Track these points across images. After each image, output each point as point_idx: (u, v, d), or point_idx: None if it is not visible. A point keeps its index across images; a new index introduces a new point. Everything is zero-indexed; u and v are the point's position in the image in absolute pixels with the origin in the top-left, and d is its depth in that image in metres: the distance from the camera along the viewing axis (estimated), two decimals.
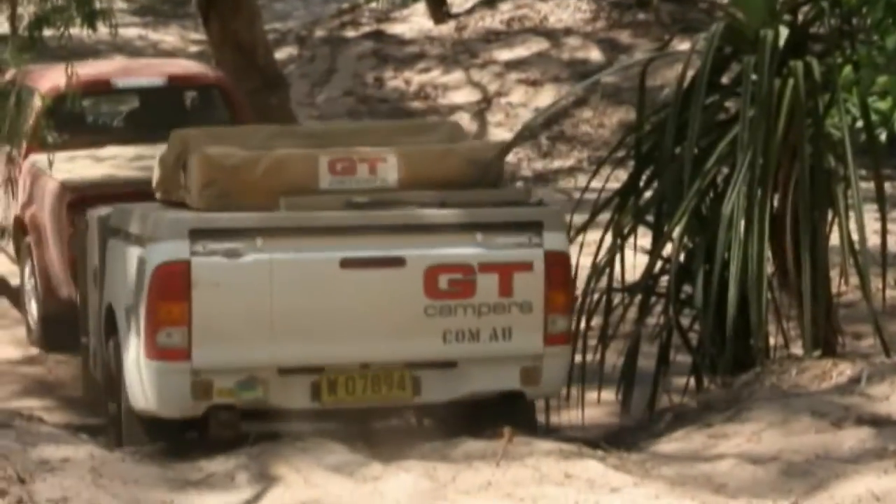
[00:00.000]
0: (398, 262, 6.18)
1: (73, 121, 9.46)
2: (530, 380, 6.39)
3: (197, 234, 6.05)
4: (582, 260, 7.19)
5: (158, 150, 6.75)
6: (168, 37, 23.78)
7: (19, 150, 9.49)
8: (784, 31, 7.20)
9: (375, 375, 6.24)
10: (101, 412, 7.15)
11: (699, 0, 19.92)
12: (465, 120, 17.65)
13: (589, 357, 7.39)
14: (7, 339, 9.65)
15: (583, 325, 7.35)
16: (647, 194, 7.57)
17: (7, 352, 9.42)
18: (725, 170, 7.32)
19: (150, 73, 10.33)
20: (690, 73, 7.43)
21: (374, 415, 6.56)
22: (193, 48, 22.34)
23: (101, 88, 9.79)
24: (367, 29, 21.08)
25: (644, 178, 7.64)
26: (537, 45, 19.10)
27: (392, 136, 6.89)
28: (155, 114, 10.21)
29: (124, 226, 6.63)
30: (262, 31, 15.42)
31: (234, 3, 14.88)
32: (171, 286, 6.00)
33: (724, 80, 7.82)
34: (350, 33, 20.96)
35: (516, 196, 6.91)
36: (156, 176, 6.62)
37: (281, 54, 18.89)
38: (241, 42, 14.97)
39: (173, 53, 22.35)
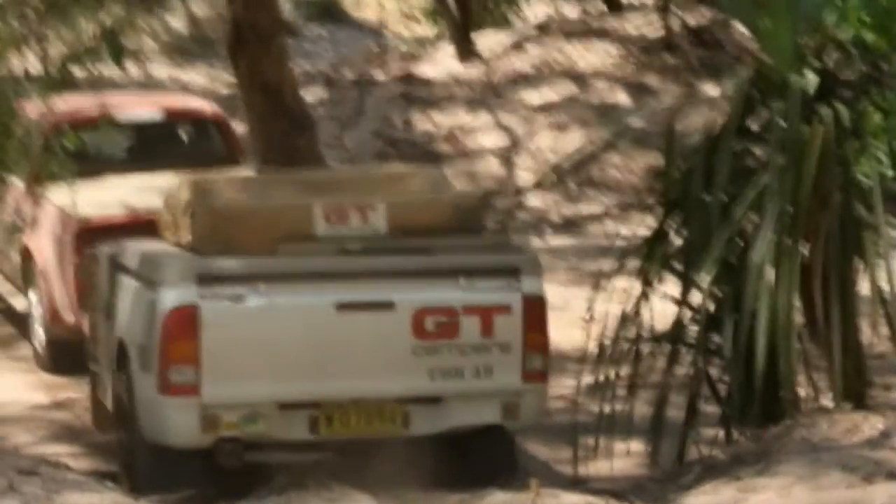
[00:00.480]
0: (388, 305, 6.72)
1: (75, 152, 9.69)
2: (510, 414, 6.94)
3: (204, 280, 6.59)
4: (610, 308, 7.13)
5: (157, 179, 7.10)
6: (197, 77, 23.87)
7: (28, 182, 9.88)
8: (812, 77, 7.15)
9: (368, 410, 6.78)
10: (110, 436, 7.59)
11: (727, 44, 19.89)
12: (492, 163, 17.61)
13: (617, 407, 7.32)
14: (34, 384, 9.62)
15: (611, 374, 7.28)
16: (676, 242, 7.50)
17: (34, 396, 9.38)
18: (754, 217, 7.24)
19: (149, 107, 10.81)
20: (719, 119, 7.37)
21: (368, 446, 6.99)
22: (222, 88, 22.41)
23: (101, 120, 10.07)
24: (395, 71, 21.10)
25: (672, 225, 7.57)
26: (565, 89, 19.06)
27: (381, 185, 7.42)
28: (154, 146, 10.63)
29: (135, 266, 7.07)
30: (290, 72, 15.43)
31: (262, 43, 14.91)
32: (182, 328, 6.49)
33: (753, 126, 7.76)
34: (379, 75, 20.98)
35: (496, 242, 7.52)
36: (163, 218, 7.06)
37: (309, 95, 18.90)
38: (268, 83, 14.99)
39: (202, 94, 22.43)
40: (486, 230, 7.43)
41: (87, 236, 8.86)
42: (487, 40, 21.71)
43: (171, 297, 6.55)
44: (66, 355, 9.38)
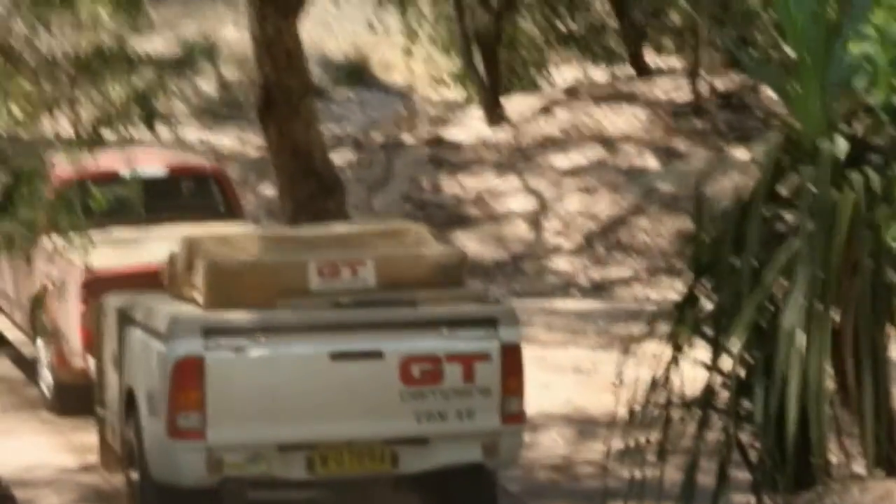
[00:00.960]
0: (378, 354, 7.25)
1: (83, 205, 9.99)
2: (490, 453, 7.45)
3: (209, 332, 7.08)
4: (640, 372, 7.10)
5: (161, 232, 7.94)
6: (226, 140, 23.99)
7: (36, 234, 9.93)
8: (843, 143, 7.13)
9: (360, 451, 7.31)
10: (117, 476, 8.11)
11: (756, 109, 19.91)
12: (521, 227, 17.61)
13: (647, 472, 7.27)
14: (62, 446, 9.62)
15: (641, 439, 7.24)
16: (706, 306, 7.47)
17: (62, 459, 9.38)
18: (785, 283, 7.21)
19: (153, 164, 11.29)
20: (748, 184, 7.36)
21: (361, 484, 7.60)
22: (252, 151, 22.50)
23: (109, 178, 10.37)
24: (423, 134, 21.17)
25: (702, 289, 7.55)
26: (594, 152, 19.09)
27: (370, 241, 7.91)
28: (158, 200, 10.97)
29: (142, 318, 7.54)
30: (319, 134, 15.51)
31: (291, 107, 14.99)
32: (189, 378, 6.95)
33: (783, 191, 7.74)
34: (407, 138, 21.05)
35: (476, 295, 7.89)
36: (167, 273, 7.52)
37: (338, 158, 18.98)
38: (298, 146, 15.06)
39: (232, 157, 22.54)
40: (466, 284, 7.84)
41: (93, 286, 9.38)
42: (516, 104, 21.79)
43: (177, 348, 7.03)
44: (72, 398, 9.92)
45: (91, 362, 9.05)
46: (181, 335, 7.07)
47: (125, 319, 7.68)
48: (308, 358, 7.20)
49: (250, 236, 8.05)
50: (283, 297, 7.24)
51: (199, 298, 7.27)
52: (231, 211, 11.56)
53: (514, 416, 7.54)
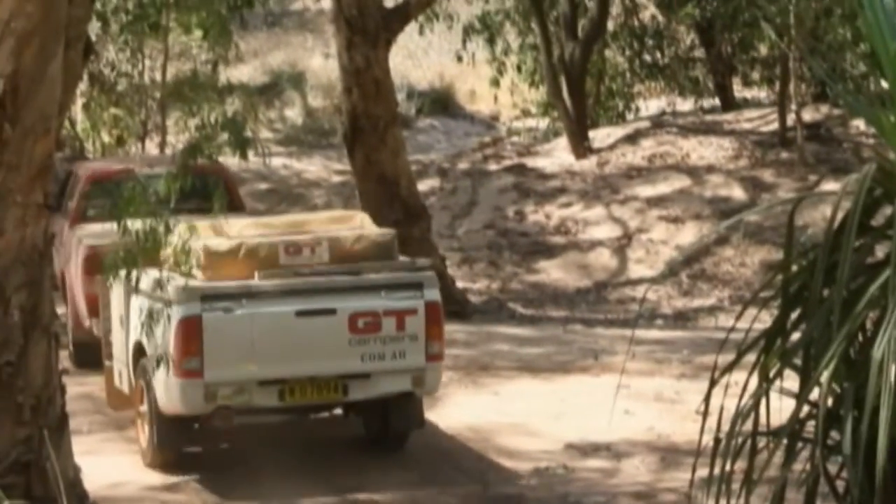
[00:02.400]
0: (332, 311, 9.20)
1: (108, 199, 12.16)
2: (418, 384, 9.40)
3: (205, 298, 9.05)
4: (725, 402, 7.04)
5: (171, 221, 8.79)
6: (311, 167, 24.18)
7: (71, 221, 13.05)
8: None
9: (319, 384, 9.25)
10: (122, 411, 10.24)
11: (843, 139, 19.76)
12: (604, 255, 17.57)
13: (732, 502, 7.21)
14: (146, 464, 9.70)
15: (726, 468, 7.18)
16: (794, 337, 7.41)
17: (148, 478, 9.47)
18: (875, 314, 7.14)
19: (165, 164, 12.33)
20: (839, 215, 7.28)
21: (319, 408, 9.94)
22: (336, 178, 22.66)
23: (126, 176, 11.84)
24: (508, 162, 21.19)
25: (791, 320, 7.48)
26: (679, 182, 19.02)
27: (324, 226, 9.92)
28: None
29: (148, 288, 9.32)
30: (405, 163, 15.59)
31: (378, 135, 15.10)
32: (191, 332, 8.98)
33: (875, 222, 7.66)
34: (492, 166, 21.09)
35: (406, 265, 9.81)
36: (165, 252, 8.86)
37: (423, 186, 19.07)
38: (384, 174, 15.15)
39: (317, 183, 22.71)
40: (397, 257, 9.83)
41: (94, 260, 11.28)
42: (601, 133, 21.78)
43: (182, 310, 9.01)
44: (84, 353, 12.04)
45: (94, 323, 11.39)
46: (185, 300, 9.02)
47: (129, 289, 9.46)
48: (279, 315, 9.11)
49: (234, 224, 9.70)
50: (260, 270, 9.18)
51: (196, 272, 9.13)
52: (232, 202, 12.77)
53: (435, 356, 9.48)
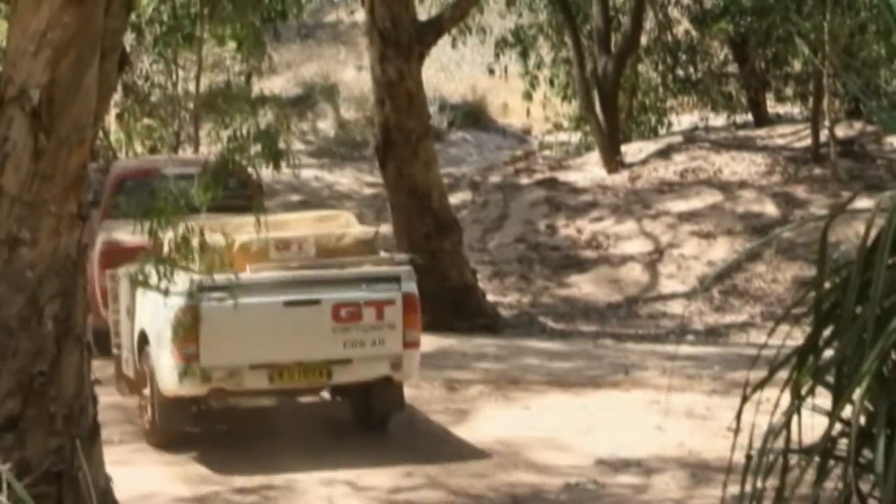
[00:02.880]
0: (317, 302, 9.85)
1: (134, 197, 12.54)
2: (396, 369, 10.10)
3: (202, 290, 9.63)
4: (756, 419, 7.01)
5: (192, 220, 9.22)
6: (343, 178, 24.23)
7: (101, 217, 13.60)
8: None
9: (305, 368, 9.92)
10: (128, 396, 10.90)
11: (877, 156, 19.68)
12: (636, 270, 17.53)
13: None
14: (177, 476, 9.72)
15: (758, 485, 7.15)
16: (827, 354, 7.37)
17: (178, 489, 9.48)
18: None
19: (188, 164, 13.16)
20: (873, 232, 7.24)
21: (305, 391, 10.72)
22: (367, 190, 22.70)
23: (153, 175, 12.61)
24: (540, 176, 21.17)
25: (824, 337, 7.44)
26: (711, 198, 18.97)
27: (311, 224, 10.68)
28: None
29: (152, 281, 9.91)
30: (437, 176, 15.60)
31: (410, 148, 15.11)
32: (189, 320, 9.67)
33: None
34: (524, 180, 21.08)
35: (385, 260, 10.56)
36: (166, 246, 9.17)
37: (454, 199, 19.07)
38: (416, 186, 15.16)
39: (348, 195, 22.74)
40: (378, 253, 10.60)
41: (107, 255, 12.40)
42: (633, 147, 21.74)
43: (182, 300, 9.61)
44: (100, 340, 12.22)
45: (105, 313, 11.91)
46: (183, 291, 9.58)
47: (135, 282, 10.01)
48: (268, 305, 9.70)
49: (230, 223, 10.13)
50: (252, 264, 9.81)
51: (194, 266, 9.59)
52: (250, 199, 13.27)
53: (412, 343, 10.22)
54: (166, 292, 8.97)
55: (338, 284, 10.00)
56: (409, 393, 11.62)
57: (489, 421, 10.82)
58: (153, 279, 8.57)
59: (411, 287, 10.23)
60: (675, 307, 15.95)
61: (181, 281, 9.38)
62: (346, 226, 10.79)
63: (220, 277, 9.60)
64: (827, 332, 7.45)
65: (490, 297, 16.07)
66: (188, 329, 9.63)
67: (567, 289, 17.22)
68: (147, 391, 10.28)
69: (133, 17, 21.35)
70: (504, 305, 16.46)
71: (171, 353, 9.72)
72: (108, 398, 10.93)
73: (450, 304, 14.87)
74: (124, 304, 10.99)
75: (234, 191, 13.14)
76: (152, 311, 10.02)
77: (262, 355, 9.70)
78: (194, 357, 9.70)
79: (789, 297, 15.07)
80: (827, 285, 7.66)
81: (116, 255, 11.84)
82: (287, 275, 9.88)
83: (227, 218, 10.36)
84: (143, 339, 10.30)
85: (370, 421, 10.55)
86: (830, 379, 7.36)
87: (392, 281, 10.14)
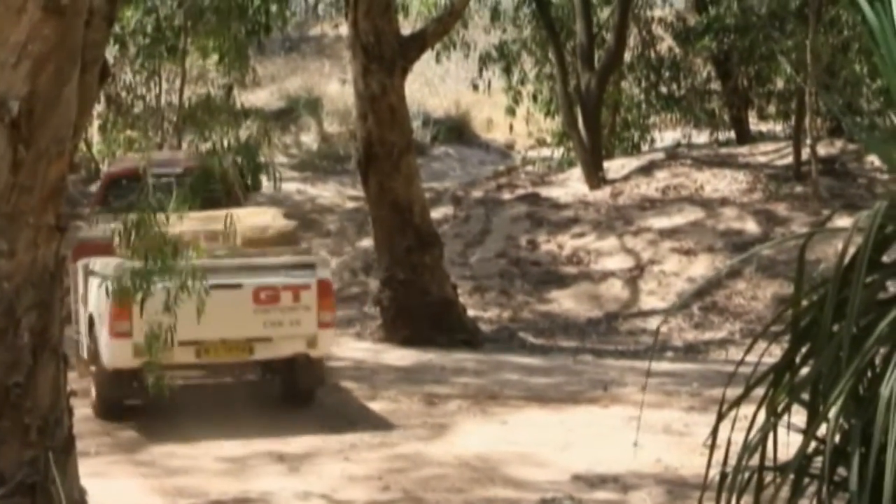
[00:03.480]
0: (239, 286, 10.97)
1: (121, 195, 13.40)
2: (311, 346, 11.36)
3: (135, 274, 10.40)
4: (732, 435, 7.03)
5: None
6: (325, 192, 24.24)
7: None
8: None
9: (229, 345, 11.08)
10: (86, 375, 11.81)
11: (858, 174, 19.75)
12: (616, 286, 17.55)
13: None
14: (154, 489, 9.71)
15: (732, 502, 7.16)
16: (803, 372, 7.39)
17: (155, 502, 9.47)
18: (885, 350, 7.12)
19: (172, 164, 13.83)
20: (852, 250, 7.27)
21: (230, 366, 11.82)
22: (349, 203, 22.71)
23: (136, 175, 12.91)
24: (522, 192, 21.20)
25: (801, 355, 7.46)
26: (692, 214, 19.01)
27: (240, 218, 11.17)
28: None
29: (99, 270, 11.39)
30: (419, 190, 15.62)
31: (392, 162, 15.13)
32: (122, 302, 10.40)
33: (886, 258, 7.65)
34: (506, 195, 21.10)
35: (303, 250, 12.00)
36: (116, 240, 9.96)
37: (436, 213, 19.09)
38: (398, 200, 15.18)
39: (330, 209, 22.74)
40: (299, 244, 12.10)
41: (79, 251, 13.03)
42: (615, 164, 21.78)
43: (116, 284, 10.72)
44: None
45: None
46: (119, 277, 10.33)
47: (88, 272, 11.76)
48: (194, 288, 10.25)
49: (179, 217, 10.76)
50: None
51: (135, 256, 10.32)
52: (231, 199, 14.38)
53: (326, 324, 11.47)
54: (105, 278, 10.08)
55: (258, 271, 11.22)
56: (387, 407, 11.61)
57: (467, 436, 10.82)
58: (99, 269, 9.75)
59: (326, 274, 11.69)
60: (655, 323, 15.99)
61: (118, 267, 10.37)
62: (272, 220, 12.07)
63: (152, 264, 10.17)
64: (804, 350, 7.48)
65: (470, 312, 16.08)
66: (122, 309, 10.82)
67: (547, 304, 17.25)
68: (94, 367, 11.60)
69: (116, 28, 21.35)
70: (484, 320, 16.47)
71: (108, 331, 11.05)
72: (85, 410, 10.93)
73: (430, 319, 14.90)
74: (80, 292, 12.30)
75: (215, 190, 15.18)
76: (97, 296, 11.31)
77: (190, 333, 9.95)
78: (127, 334, 10.89)
79: (769, 315, 15.10)
80: (805, 303, 7.69)
81: (87, 251, 12.72)
82: (214, 262, 10.59)
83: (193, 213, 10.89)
84: (92, 322, 11.64)
85: (296, 396, 11.79)
86: (806, 397, 7.39)
87: (308, 268, 11.42)
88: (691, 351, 15.19)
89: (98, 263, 11.60)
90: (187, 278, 9.37)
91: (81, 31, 5.67)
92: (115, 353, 11.03)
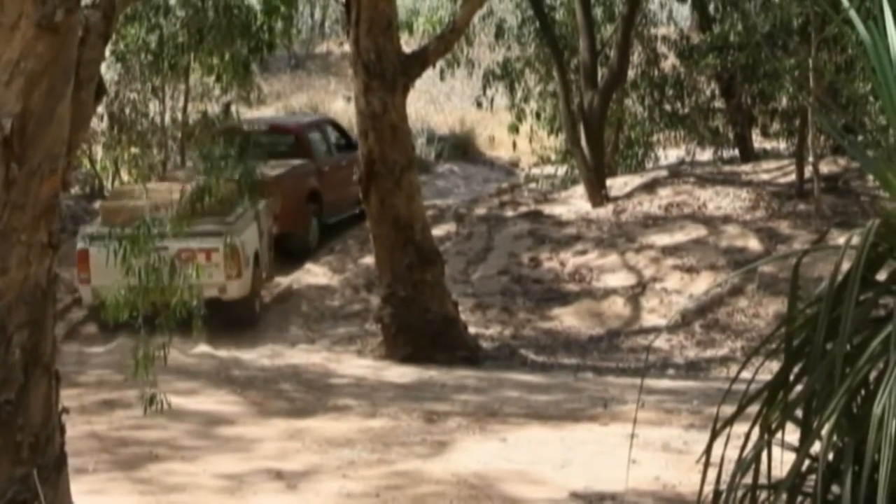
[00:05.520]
0: (165, 248, 11.72)
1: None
2: (222, 292, 15.89)
3: (91, 237, 15.25)
4: (728, 453, 7.03)
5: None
6: None
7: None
8: None
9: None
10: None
11: (861, 192, 19.75)
12: (618, 304, 17.55)
13: None
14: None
15: None
16: (797, 389, 7.39)
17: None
18: (878, 368, 7.13)
19: (260, 123, 17.64)
20: (846, 268, 7.28)
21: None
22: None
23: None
24: (525, 209, 21.21)
25: (794, 373, 7.46)
26: (695, 232, 19.02)
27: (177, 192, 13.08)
28: (261, 146, 15.45)
29: (81, 232, 15.98)
30: (420, 207, 15.63)
31: (394, 180, 15.14)
32: (83, 256, 15.66)
33: (880, 276, 7.65)
34: (509, 212, 21.12)
35: (220, 220, 15.36)
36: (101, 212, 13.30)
37: (439, 231, 19.10)
38: (399, 218, 15.19)
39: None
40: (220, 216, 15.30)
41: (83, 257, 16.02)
42: (618, 181, 21.80)
43: (79, 244, 15.69)
44: None
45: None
46: (82, 238, 15.61)
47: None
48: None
49: (131, 190, 14.99)
50: (131, 221, 11.50)
51: (102, 222, 14.49)
52: (304, 155, 19.41)
53: (234, 275, 15.97)
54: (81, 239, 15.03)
55: (181, 237, 12.66)
56: (387, 424, 11.61)
57: (466, 453, 10.82)
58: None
59: (235, 240, 15.69)
60: (657, 341, 15.99)
61: (81, 230, 15.77)
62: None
63: (104, 230, 12.55)
64: (798, 368, 7.48)
65: (472, 329, 16.08)
66: (83, 262, 15.66)
67: (549, 321, 17.25)
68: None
69: (121, 45, 21.41)
70: (486, 337, 16.47)
71: (78, 277, 15.85)
72: (83, 427, 10.94)
73: (431, 336, 14.90)
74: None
75: (290, 143, 20.29)
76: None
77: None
78: (87, 280, 15.64)
79: (770, 332, 15.07)
80: (799, 322, 7.69)
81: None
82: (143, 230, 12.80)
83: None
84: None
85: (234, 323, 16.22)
86: (800, 414, 7.39)
87: (218, 235, 15.22)
88: (693, 368, 15.18)
89: (87, 226, 16.40)
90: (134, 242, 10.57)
91: (76, 48, 5.70)
92: (84, 294, 15.94)
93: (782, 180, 20.73)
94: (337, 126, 22.99)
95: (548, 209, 20.98)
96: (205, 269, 13.84)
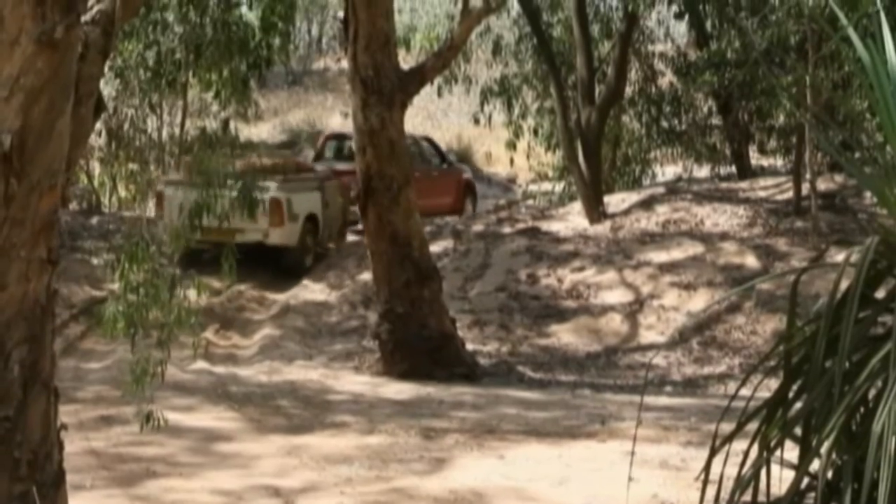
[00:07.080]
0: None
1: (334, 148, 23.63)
2: (265, 237, 19.17)
3: (167, 183, 19.53)
4: (727, 470, 7.02)
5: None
6: None
7: None
8: None
9: (222, 231, 13.52)
10: None
11: (858, 209, 19.76)
12: (616, 320, 17.55)
13: None
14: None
15: None
16: (796, 407, 7.39)
17: None
18: (877, 385, 7.12)
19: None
20: (844, 285, 7.27)
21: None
22: (349, 237, 22.72)
23: (344, 136, 19.13)
24: (522, 225, 21.22)
25: (793, 390, 7.46)
26: (692, 249, 19.02)
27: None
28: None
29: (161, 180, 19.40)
30: (418, 224, 15.63)
31: (392, 196, 15.14)
32: (160, 197, 19.44)
33: (878, 293, 7.65)
34: (506, 229, 21.12)
35: (277, 179, 19.20)
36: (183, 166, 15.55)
37: (436, 247, 19.09)
38: (396, 234, 15.19)
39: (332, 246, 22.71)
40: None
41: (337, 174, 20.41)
42: (616, 198, 21.81)
43: (160, 187, 19.24)
44: None
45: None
46: (162, 183, 18.54)
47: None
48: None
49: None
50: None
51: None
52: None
53: (276, 224, 19.15)
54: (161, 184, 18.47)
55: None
56: (384, 441, 11.58)
57: (463, 470, 10.80)
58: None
59: (278, 195, 19.06)
60: (655, 358, 15.98)
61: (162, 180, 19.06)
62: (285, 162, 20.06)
63: (176, 179, 16.07)
64: (797, 386, 7.47)
65: (469, 346, 16.07)
66: (160, 201, 18.77)
67: (547, 338, 17.24)
68: None
69: (119, 61, 21.42)
70: (483, 354, 16.46)
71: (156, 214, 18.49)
72: (81, 443, 10.92)
73: (428, 353, 14.88)
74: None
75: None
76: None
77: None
78: (161, 217, 17.38)
79: (768, 350, 15.07)
80: (798, 339, 7.67)
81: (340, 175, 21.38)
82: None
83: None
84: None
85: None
86: (799, 432, 7.37)
87: (265, 191, 16.73)
88: (690, 385, 15.16)
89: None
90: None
91: (75, 64, 5.69)
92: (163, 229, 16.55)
93: (779, 197, 20.74)
94: (432, 143, 26.83)
95: (545, 226, 20.99)
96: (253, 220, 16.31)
